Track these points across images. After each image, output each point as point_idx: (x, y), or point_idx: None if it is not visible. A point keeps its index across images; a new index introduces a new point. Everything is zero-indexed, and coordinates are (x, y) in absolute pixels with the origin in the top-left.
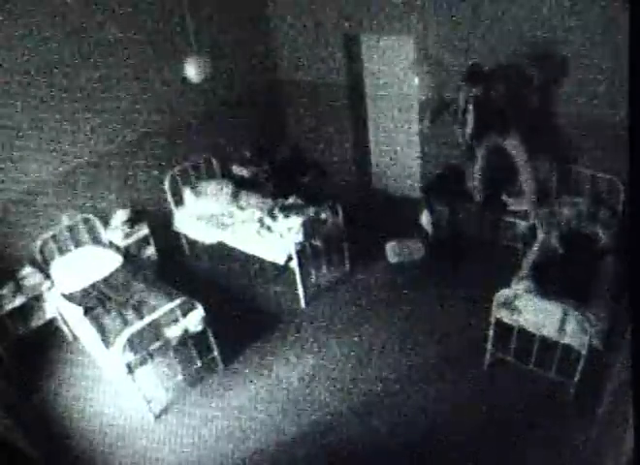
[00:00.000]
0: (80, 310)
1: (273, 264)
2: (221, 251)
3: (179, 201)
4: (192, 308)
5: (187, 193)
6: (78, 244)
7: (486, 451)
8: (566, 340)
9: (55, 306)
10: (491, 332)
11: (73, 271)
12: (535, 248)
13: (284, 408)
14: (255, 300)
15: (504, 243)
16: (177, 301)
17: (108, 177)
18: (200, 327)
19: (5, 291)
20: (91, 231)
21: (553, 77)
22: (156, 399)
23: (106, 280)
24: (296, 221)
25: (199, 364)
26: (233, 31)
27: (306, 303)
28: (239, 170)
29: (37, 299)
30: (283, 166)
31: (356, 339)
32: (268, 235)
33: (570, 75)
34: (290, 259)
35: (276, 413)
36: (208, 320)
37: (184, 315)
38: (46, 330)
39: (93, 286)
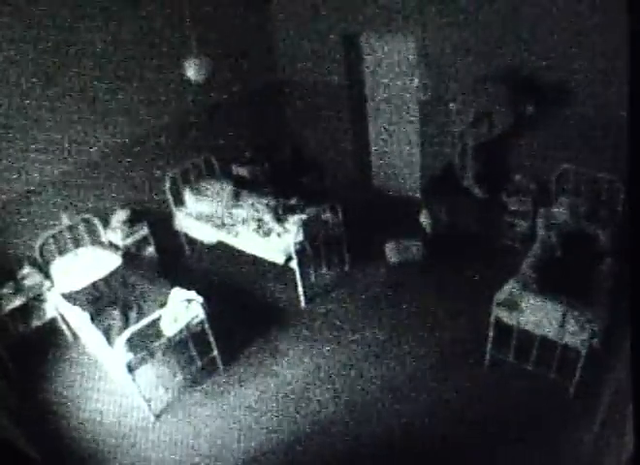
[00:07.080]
0: (80, 310)
1: (273, 264)
2: (221, 251)
3: (179, 201)
4: (192, 307)
5: (187, 193)
6: (78, 244)
7: (486, 451)
8: (566, 340)
9: (55, 306)
10: (491, 332)
11: (73, 271)
12: (535, 248)
13: (284, 408)
14: (255, 300)
15: (504, 243)
16: (178, 301)
17: (108, 177)
18: (200, 327)
19: (5, 291)
20: (91, 231)
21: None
22: (156, 399)
23: (106, 280)
24: (296, 221)
25: (199, 364)
26: (233, 31)
27: (306, 303)
28: (239, 171)
29: (37, 299)
30: (283, 166)
31: (356, 339)
32: (267, 235)
33: (569, 76)
34: (290, 259)
35: (276, 413)
36: (208, 319)
37: (184, 314)
38: (46, 330)
39: (93, 286)
